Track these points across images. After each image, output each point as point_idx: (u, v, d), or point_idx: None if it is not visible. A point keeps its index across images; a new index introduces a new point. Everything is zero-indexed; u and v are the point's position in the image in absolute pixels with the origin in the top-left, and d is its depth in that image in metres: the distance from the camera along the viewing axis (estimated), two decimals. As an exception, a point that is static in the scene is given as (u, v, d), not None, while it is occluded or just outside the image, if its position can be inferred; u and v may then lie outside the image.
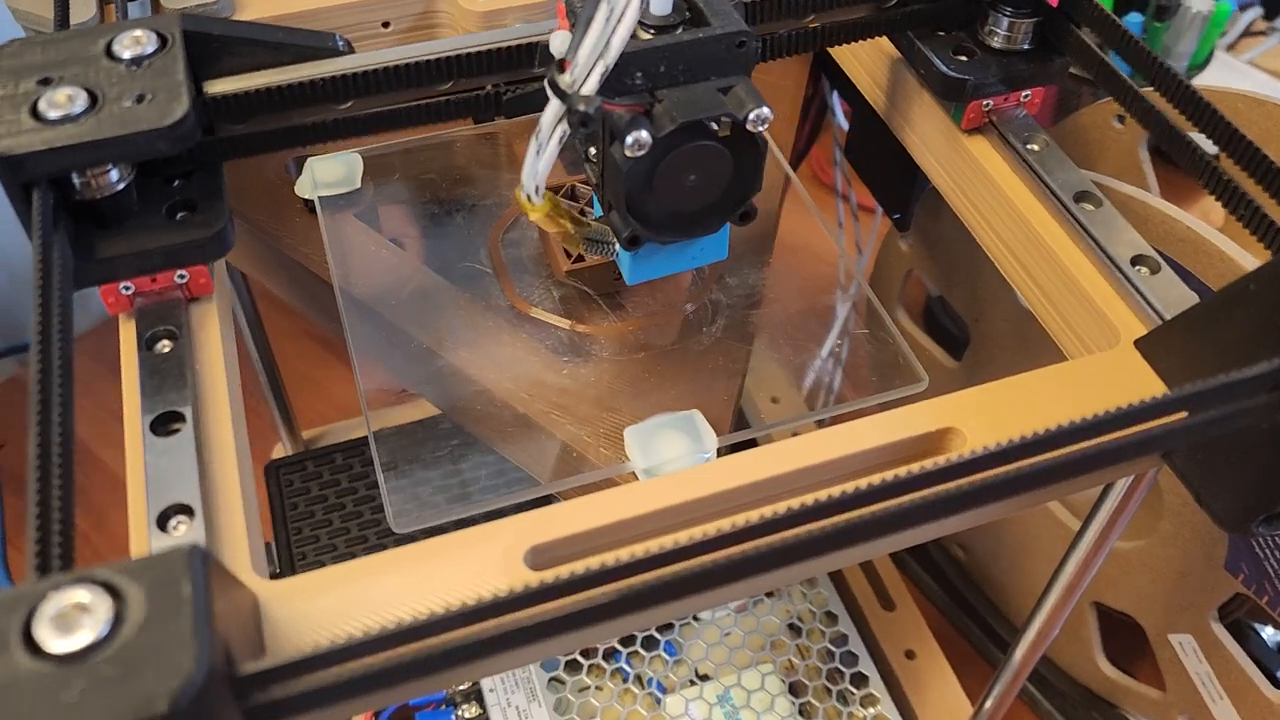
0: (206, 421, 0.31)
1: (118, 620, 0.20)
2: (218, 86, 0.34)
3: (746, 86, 0.32)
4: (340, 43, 0.36)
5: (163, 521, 0.28)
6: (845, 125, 0.59)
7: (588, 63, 0.28)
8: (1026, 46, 0.40)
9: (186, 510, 0.29)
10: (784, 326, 0.41)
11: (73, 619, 0.20)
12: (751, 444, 0.60)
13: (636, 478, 0.37)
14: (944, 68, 0.39)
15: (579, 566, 0.24)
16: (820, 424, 0.36)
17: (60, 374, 0.27)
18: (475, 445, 0.39)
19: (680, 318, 0.41)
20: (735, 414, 0.39)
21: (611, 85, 0.30)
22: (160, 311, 0.33)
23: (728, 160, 0.33)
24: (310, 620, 0.27)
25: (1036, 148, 0.39)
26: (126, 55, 0.32)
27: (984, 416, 0.31)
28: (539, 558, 0.29)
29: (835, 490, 0.25)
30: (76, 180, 0.32)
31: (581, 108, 0.29)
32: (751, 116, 0.31)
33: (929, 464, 0.26)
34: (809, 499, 0.25)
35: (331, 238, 0.43)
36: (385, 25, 0.45)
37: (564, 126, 0.30)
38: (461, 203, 0.45)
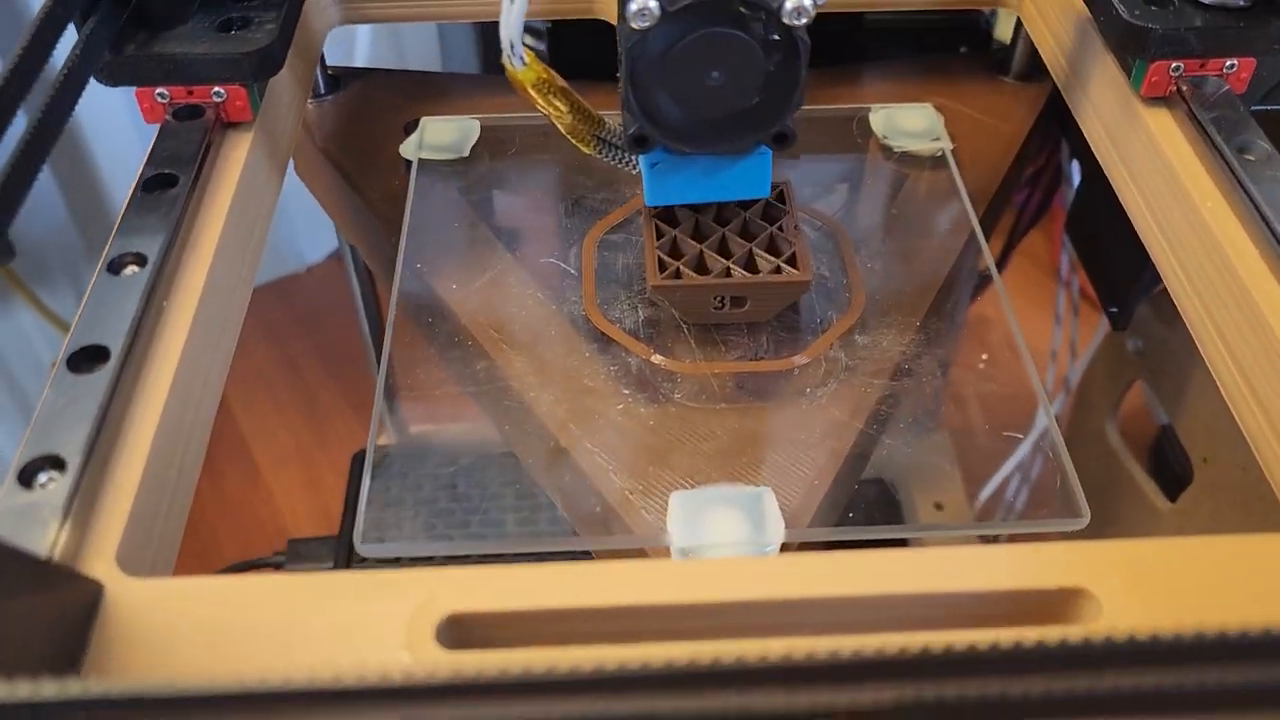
0: (151, 349, 0.26)
1: None
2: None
3: None
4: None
5: (29, 474, 0.23)
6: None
7: None
8: (1242, 2, 0.31)
9: (59, 464, 0.23)
10: (913, 409, 0.32)
11: None
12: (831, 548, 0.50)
13: (670, 556, 0.29)
14: (1124, 12, 0.31)
15: (507, 660, 0.16)
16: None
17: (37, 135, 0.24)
18: (495, 472, 0.32)
19: (784, 371, 0.32)
20: (828, 507, 0.30)
21: None
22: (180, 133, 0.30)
23: (758, 60, 0.27)
24: (152, 642, 0.21)
25: (1237, 136, 0.30)
26: None
27: (1135, 584, 0.20)
28: (459, 633, 0.21)
29: (852, 645, 0.16)
30: None
31: None
32: (788, 6, 0.25)
33: (1017, 637, 0.16)
34: (799, 649, 0.16)
35: (416, 206, 0.38)
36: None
37: None
38: (572, 192, 0.39)
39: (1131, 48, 0.31)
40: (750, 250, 0.33)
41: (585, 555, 0.39)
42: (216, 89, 0.30)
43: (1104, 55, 0.33)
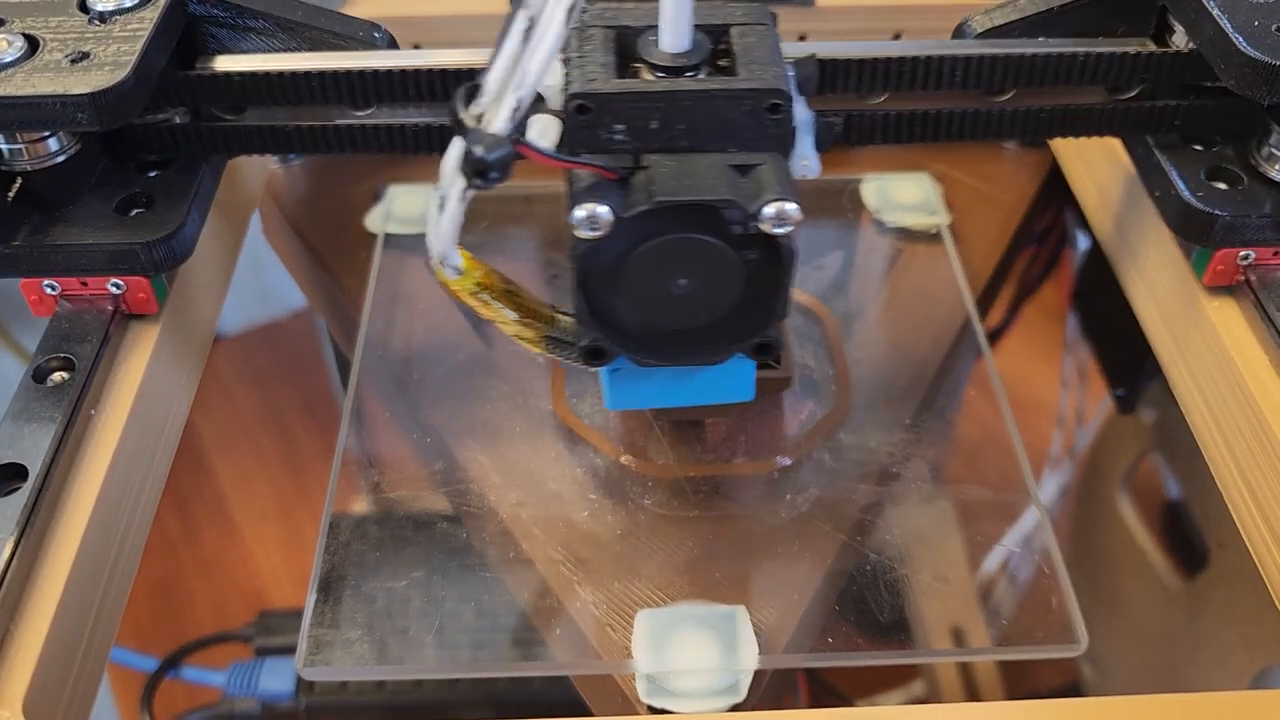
0: (64, 491, 0.24)
1: None
2: (213, 64, 0.28)
3: (775, 169, 0.22)
4: (380, 36, 0.28)
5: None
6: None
7: (496, 91, 0.19)
8: None
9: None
10: (901, 521, 0.29)
11: None
12: (812, 676, 0.47)
13: (637, 683, 0.26)
14: (1187, 193, 0.27)
15: None
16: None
17: None
18: (452, 585, 0.30)
19: (765, 475, 0.30)
20: (807, 625, 0.28)
21: (586, 138, 0.22)
22: (72, 328, 0.26)
23: (735, 267, 0.23)
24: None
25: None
26: (100, 6, 0.26)
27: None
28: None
29: None
30: (4, 145, 0.27)
31: (479, 151, 0.19)
32: (768, 212, 0.21)
33: None
34: None
35: (381, 283, 0.36)
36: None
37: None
38: (546, 270, 0.37)
39: (1194, 233, 0.27)
40: (729, 341, 0.31)
41: (546, 679, 0.37)
42: (114, 280, 0.26)
43: (1158, 227, 0.29)
